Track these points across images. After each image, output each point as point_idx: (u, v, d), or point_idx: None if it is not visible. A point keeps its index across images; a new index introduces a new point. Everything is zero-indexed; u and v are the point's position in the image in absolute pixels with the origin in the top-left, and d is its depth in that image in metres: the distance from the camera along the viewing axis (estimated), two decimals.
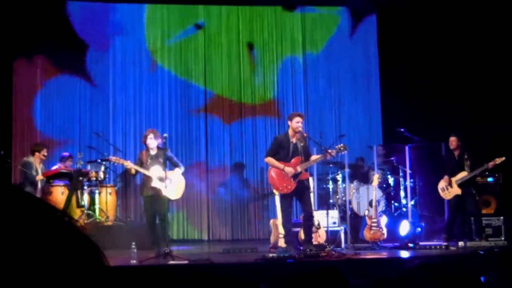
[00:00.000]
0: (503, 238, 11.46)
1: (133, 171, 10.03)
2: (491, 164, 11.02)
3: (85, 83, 13.44)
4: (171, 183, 9.87)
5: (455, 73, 13.42)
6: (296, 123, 9.81)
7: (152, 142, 9.93)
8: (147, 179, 9.92)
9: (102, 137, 12.73)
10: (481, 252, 9.45)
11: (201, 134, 13.79)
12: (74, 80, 13.40)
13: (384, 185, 12.41)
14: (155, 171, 9.79)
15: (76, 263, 1.14)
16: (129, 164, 9.94)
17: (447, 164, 11.39)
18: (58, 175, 11.68)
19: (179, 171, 10.11)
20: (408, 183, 12.19)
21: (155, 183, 9.75)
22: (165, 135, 10.14)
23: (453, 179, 11.17)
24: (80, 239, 1.18)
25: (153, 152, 9.97)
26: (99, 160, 11.94)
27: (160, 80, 13.78)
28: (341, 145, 10.07)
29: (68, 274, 1.12)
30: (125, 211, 12.94)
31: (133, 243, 8.94)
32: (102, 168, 11.87)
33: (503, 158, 10.97)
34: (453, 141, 11.30)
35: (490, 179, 12.09)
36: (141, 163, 9.93)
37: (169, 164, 10.05)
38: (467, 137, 11.54)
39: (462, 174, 11.16)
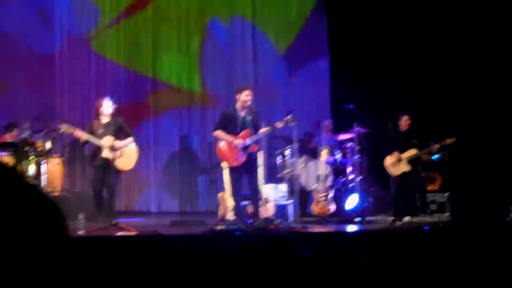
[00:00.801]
0: (447, 214, 11.64)
1: (83, 140, 9.88)
2: (440, 144, 11.15)
3: (32, 58, 13.21)
4: (122, 153, 9.82)
5: (406, 49, 13.43)
6: (245, 96, 9.82)
7: (106, 109, 9.86)
8: (97, 148, 9.79)
9: (49, 108, 12.58)
10: (426, 228, 9.59)
11: (149, 104, 13.69)
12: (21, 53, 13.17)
13: (332, 160, 12.44)
14: (106, 141, 9.68)
15: (42, 227, 1.13)
16: (79, 133, 9.76)
17: (394, 141, 11.44)
18: (3, 145, 11.45)
19: (131, 139, 10.04)
20: (355, 158, 12.21)
21: (106, 153, 9.65)
22: (114, 105, 10.03)
23: (403, 156, 11.25)
24: (45, 203, 1.18)
25: (105, 120, 9.87)
26: (46, 130, 11.75)
27: (108, 48, 13.67)
28: (289, 117, 10.07)
29: (35, 237, 1.12)
30: (73, 182, 12.80)
31: (81, 214, 8.85)
32: (49, 138, 11.69)
33: (454, 139, 11.09)
34: (405, 119, 11.37)
35: (435, 156, 12.23)
36: (91, 132, 9.78)
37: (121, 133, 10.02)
38: (415, 116, 11.62)
39: (412, 152, 11.23)
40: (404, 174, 11.26)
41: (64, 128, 9.95)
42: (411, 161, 11.23)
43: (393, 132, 11.66)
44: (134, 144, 10.09)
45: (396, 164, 11.28)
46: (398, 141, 11.39)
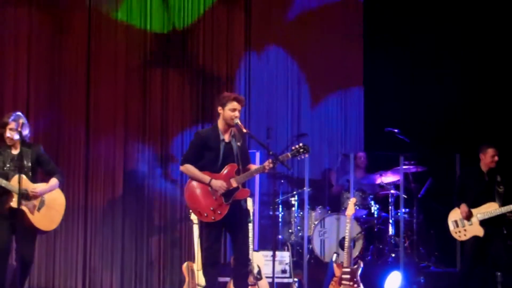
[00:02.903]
0: None
1: None
2: None
3: None
4: (43, 203, 9.52)
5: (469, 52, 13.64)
6: (232, 111, 9.46)
7: (14, 135, 9.47)
8: (3, 193, 9.37)
9: None
10: None
11: (78, 120, 13.36)
12: None
13: (364, 215, 12.51)
14: (17, 182, 9.25)
15: None
16: None
17: (467, 187, 11.21)
18: None
19: (56, 181, 9.72)
20: (401, 213, 12.17)
21: (17, 202, 9.22)
22: (21, 120, 9.58)
23: (475, 212, 10.98)
24: None
25: (14, 150, 9.55)
26: None
27: None
28: (299, 145, 9.79)
29: None
30: None
31: None
32: None
33: None
34: (490, 154, 11.14)
35: None
36: None
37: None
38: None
39: (491, 207, 10.96)
40: (478, 240, 10.99)
41: None
42: (490, 221, 10.96)
43: (466, 174, 11.45)
44: (58, 187, 9.79)
45: (462, 223, 11.06)
46: (474, 189, 11.13)
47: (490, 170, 11.13)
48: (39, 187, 9.52)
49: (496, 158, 11.08)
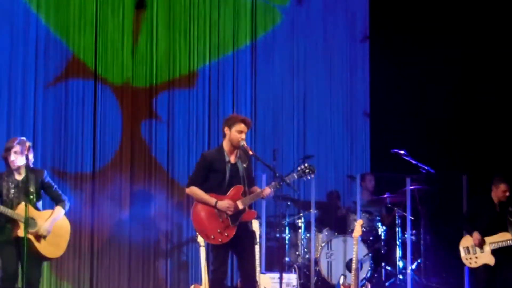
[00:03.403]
0: None
1: None
2: None
3: None
4: (49, 231, 9.39)
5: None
6: (238, 133, 9.44)
7: (19, 159, 9.33)
8: (8, 221, 9.23)
9: None
10: None
11: (85, 139, 13.25)
12: None
13: (371, 238, 12.47)
14: (23, 209, 9.09)
15: None
16: None
17: (478, 216, 11.19)
18: None
19: (61, 210, 9.59)
20: (408, 235, 12.14)
21: (23, 230, 9.03)
22: (27, 143, 9.41)
23: (488, 240, 10.95)
24: None
25: (18, 176, 9.42)
26: None
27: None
28: (305, 165, 9.76)
29: None
30: None
31: None
32: None
33: None
34: (502, 190, 11.08)
35: None
36: None
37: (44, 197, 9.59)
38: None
39: (504, 237, 10.95)
40: (488, 268, 10.98)
41: None
42: (501, 249, 10.95)
43: (477, 201, 11.43)
44: (64, 214, 9.62)
45: (474, 250, 11.04)
46: (485, 217, 11.14)
47: (501, 202, 11.10)
48: (46, 224, 9.34)
49: (507, 193, 11.03)
